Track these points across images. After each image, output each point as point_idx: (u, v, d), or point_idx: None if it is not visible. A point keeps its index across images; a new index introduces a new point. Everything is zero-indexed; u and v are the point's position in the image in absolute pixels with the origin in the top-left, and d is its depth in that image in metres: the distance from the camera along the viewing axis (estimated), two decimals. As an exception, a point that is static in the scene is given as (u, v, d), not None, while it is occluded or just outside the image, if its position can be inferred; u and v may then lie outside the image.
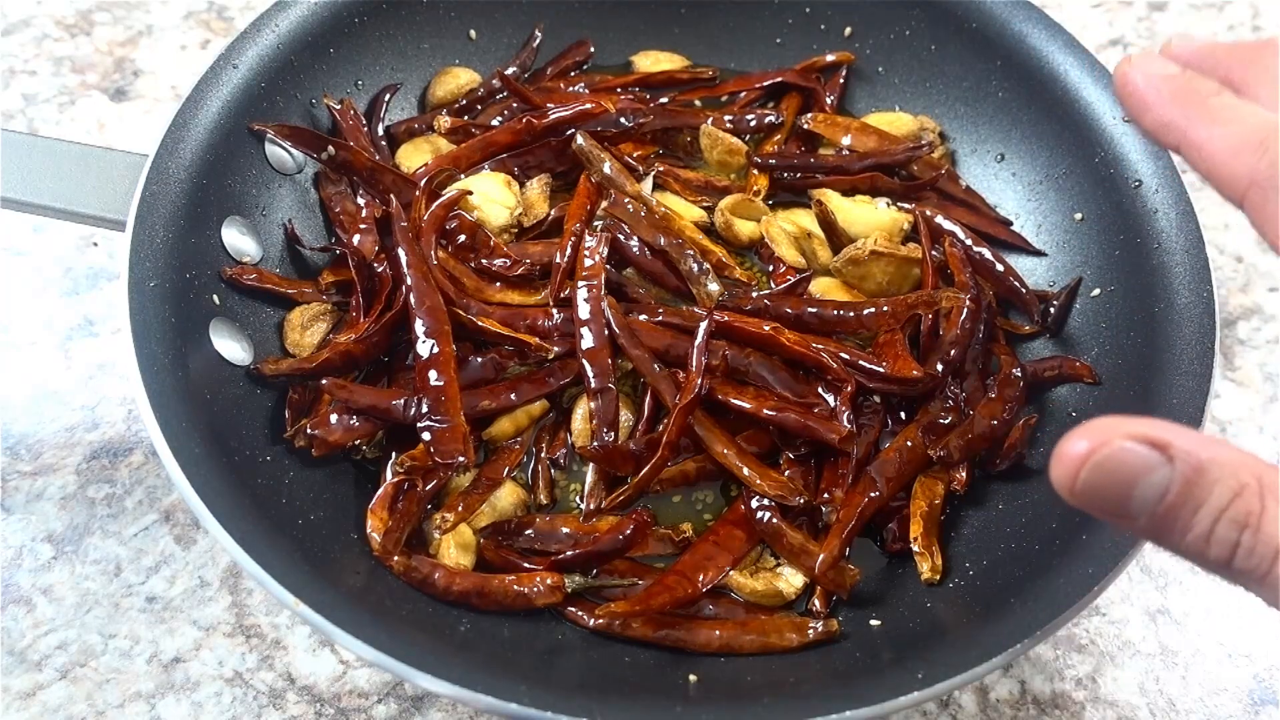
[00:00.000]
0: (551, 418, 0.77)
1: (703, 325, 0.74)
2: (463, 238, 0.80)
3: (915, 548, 0.70)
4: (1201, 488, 0.40)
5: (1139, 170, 0.79)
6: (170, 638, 0.74)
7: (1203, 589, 0.79)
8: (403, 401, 0.70)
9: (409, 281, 0.73)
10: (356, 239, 0.78)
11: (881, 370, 0.74)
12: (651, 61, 0.96)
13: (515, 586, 0.67)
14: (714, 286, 0.78)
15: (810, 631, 0.67)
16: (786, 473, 0.72)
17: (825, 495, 0.71)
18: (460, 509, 0.71)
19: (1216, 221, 0.98)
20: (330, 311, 0.78)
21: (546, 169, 0.86)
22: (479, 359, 0.74)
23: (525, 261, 0.79)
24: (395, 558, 0.67)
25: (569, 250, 0.79)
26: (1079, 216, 0.84)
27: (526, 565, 0.69)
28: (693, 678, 0.64)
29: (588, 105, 0.85)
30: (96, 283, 0.90)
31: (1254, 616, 0.78)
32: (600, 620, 0.66)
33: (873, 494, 0.71)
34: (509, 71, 0.93)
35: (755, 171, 0.88)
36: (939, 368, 0.76)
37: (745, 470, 0.71)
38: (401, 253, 0.75)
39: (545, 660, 0.65)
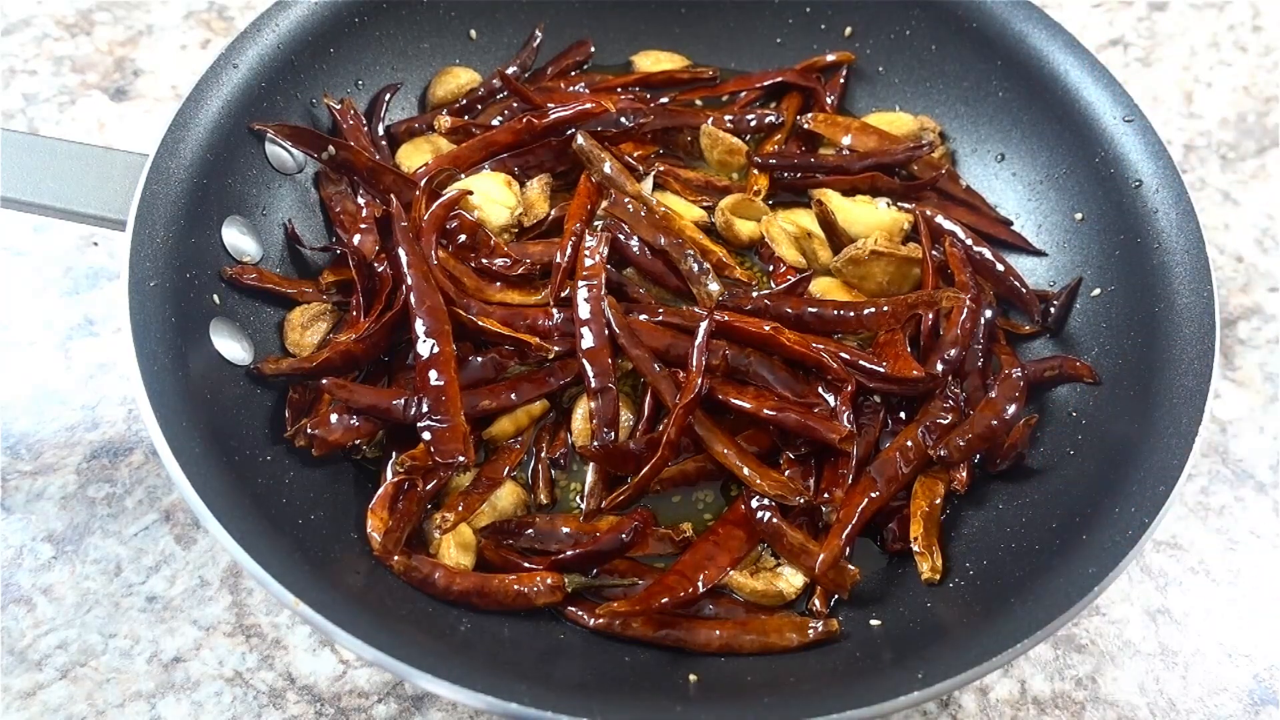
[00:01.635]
0: (551, 417, 0.77)
1: (703, 325, 0.74)
2: (463, 237, 0.80)
3: (915, 548, 0.70)
4: None
5: (1139, 170, 0.79)
6: (170, 637, 0.74)
7: (1203, 589, 0.79)
8: (403, 401, 0.70)
9: (409, 281, 0.73)
10: (356, 239, 0.79)
11: (881, 370, 0.74)
12: (652, 61, 0.96)
13: (515, 586, 0.67)
14: (714, 286, 0.78)
15: (810, 631, 0.67)
16: (786, 473, 0.72)
17: (825, 495, 0.71)
18: (460, 509, 0.71)
19: (1216, 221, 0.98)
20: (330, 311, 0.78)
21: (547, 169, 0.86)
22: (479, 359, 0.74)
23: (525, 261, 0.79)
24: (395, 557, 0.67)
25: (569, 250, 0.79)
26: (1079, 216, 0.84)
27: (526, 565, 0.69)
28: (693, 677, 0.64)
29: (588, 105, 0.85)
30: (96, 283, 0.90)
31: (1254, 617, 0.78)
32: (600, 620, 0.66)
33: (873, 494, 0.71)
34: (509, 71, 0.93)
35: (755, 171, 0.89)
36: (939, 368, 0.76)
37: (745, 470, 0.71)
38: (402, 252, 0.75)
39: (545, 660, 0.65)
